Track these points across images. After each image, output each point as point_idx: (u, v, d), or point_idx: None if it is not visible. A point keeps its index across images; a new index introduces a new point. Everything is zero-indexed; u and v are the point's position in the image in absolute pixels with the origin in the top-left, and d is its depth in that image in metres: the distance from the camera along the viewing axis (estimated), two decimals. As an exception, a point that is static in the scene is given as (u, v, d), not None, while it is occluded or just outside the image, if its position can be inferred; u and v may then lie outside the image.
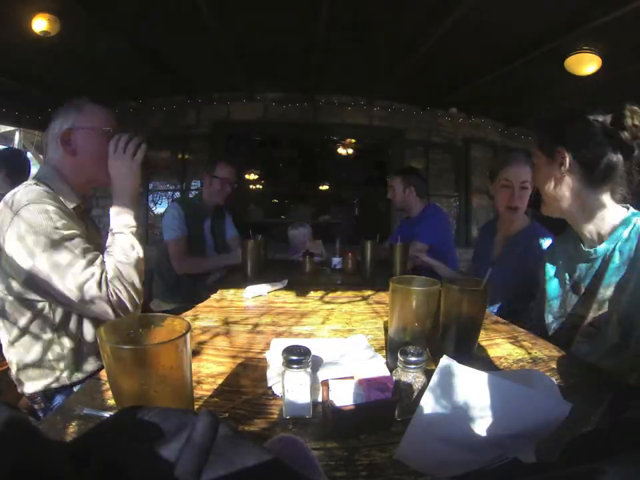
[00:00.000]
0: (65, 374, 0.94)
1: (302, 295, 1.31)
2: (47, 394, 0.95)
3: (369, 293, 1.35)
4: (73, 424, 0.50)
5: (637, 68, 2.65)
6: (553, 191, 0.89)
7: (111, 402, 0.58)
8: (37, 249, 0.82)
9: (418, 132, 4.20)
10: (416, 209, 2.18)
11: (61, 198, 0.93)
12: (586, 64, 2.63)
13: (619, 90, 2.88)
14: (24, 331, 0.92)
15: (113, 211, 0.98)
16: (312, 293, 1.32)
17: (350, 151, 5.34)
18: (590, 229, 0.88)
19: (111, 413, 0.44)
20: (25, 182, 0.93)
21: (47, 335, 0.92)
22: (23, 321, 0.91)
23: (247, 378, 0.66)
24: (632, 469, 0.18)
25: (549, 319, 1.02)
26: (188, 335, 0.43)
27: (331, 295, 1.31)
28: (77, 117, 0.99)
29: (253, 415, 0.55)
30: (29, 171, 2.35)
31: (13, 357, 0.94)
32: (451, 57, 2.86)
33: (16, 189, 0.90)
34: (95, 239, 1.05)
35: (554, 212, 0.94)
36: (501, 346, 0.85)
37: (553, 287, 1.03)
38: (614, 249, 0.83)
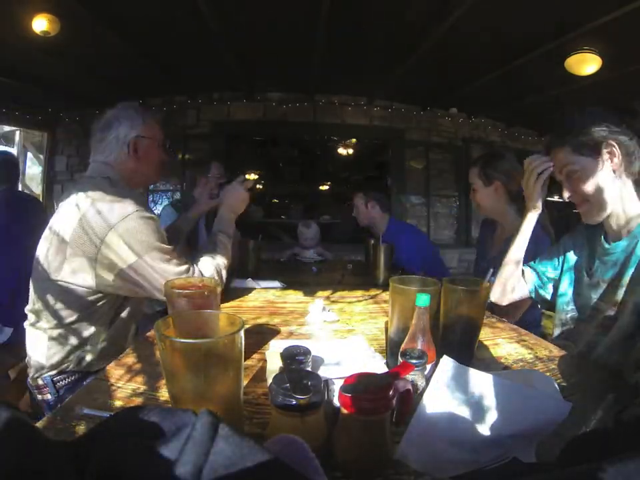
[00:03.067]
0: (87, 359, 1.01)
1: (302, 295, 1.31)
2: (55, 381, 0.99)
3: (369, 292, 1.35)
4: (73, 424, 0.50)
5: (637, 68, 2.65)
6: (605, 190, 0.86)
7: (111, 402, 0.58)
8: (142, 250, 0.95)
9: (418, 132, 4.20)
10: (382, 226, 2.13)
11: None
12: (586, 64, 2.63)
13: (620, 90, 2.88)
14: (65, 325, 0.98)
15: (223, 220, 1.24)
16: (312, 293, 1.32)
17: (350, 151, 5.34)
18: (618, 221, 0.88)
19: (111, 413, 0.44)
20: (103, 183, 1.01)
21: (87, 331, 1.00)
22: (69, 317, 0.98)
23: (246, 378, 0.66)
24: (632, 469, 0.18)
25: (560, 309, 1.03)
26: (242, 331, 0.44)
27: (330, 294, 1.31)
28: (143, 127, 1.12)
29: (253, 414, 0.55)
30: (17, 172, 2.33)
31: (43, 342, 0.98)
32: (450, 57, 2.86)
33: (102, 186, 0.99)
34: None
35: (601, 214, 0.89)
36: (501, 346, 0.85)
37: (566, 279, 1.03)
38: (636, 243, 0.85)
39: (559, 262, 1.07)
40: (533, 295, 1.11)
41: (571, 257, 1.04)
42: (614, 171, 0.86)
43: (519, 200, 1.38)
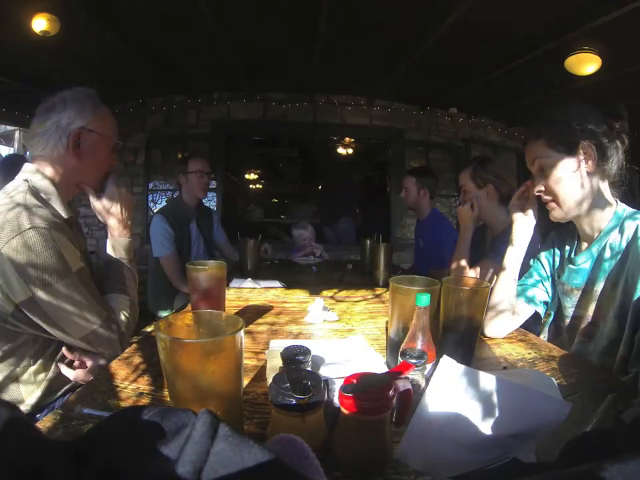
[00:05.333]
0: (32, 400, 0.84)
1: (302, 295, 1.31)
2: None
3: (369, 292, 1.35)
4: (73, 424, 0.50)
5: (636, 68, 2.64)
6: (575, 189, 0.83)
7: (111, 402, 0.58)
8: (40, 283, 0.74)
9: (418, 132, 4.20)
10: (425, 212, 2.19)
11: (55, 209, 0.86)
12: (586, 64, 2.63)
13: (619, 90, 2.88)
14: None
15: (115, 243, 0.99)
16: (312, 293, 1.32)
17: (350, 150, 5.34)
18: (592, 224, 0.87)
19: (111, 413, 0.45)
20: (19, 186, 0.83)
21: (22, 366, 0.82)
22: None
23: (246, 378, 0.66)
24: (632, 469, 0.18)
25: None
26: (242, 330, 0.43)
27: (331, 294, 1.31)
28: (92, 117, 0.91)
29: (253, 414, 0.55)
30: None
31: None
32: (450, 57, 2.86)
33: (12, 194, 0.80)
34: (82, 245, 0.98)
35: (572, 215, 0.86)
36: (501, 346, 0.85)
37: (545, 286, 1.03)
38: (604, 247, 0.84)
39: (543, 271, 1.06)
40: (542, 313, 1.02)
41: (546, 265, 1.03)
42: (588, 173, 0.83)
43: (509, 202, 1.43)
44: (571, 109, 0.85)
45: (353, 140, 5.05)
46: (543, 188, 0.88)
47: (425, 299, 0.61)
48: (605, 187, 0.85)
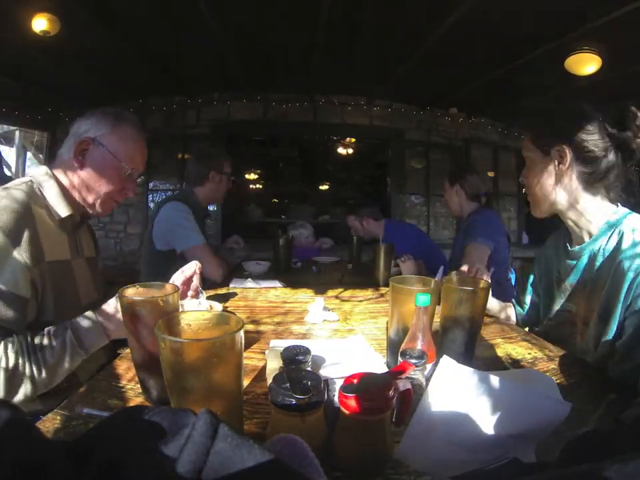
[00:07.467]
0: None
1: (302, 294, 1.31)
2: None
3: (369, 292, 1.35)
4: (73, 424, 0.50)
5: (636, 68, 2.64)
6: (546, 188, 0.86)
7: (111, 402, 0.58)
8: None
9: (418, 132, 4.20)
10: (381, 233, 2.18)
11: (50, 204, 0.85)
12: (586, 64, 2.63)
13: (619, 90, 2.87)
14: None
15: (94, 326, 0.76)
16: (312, 293, 1.32)
17: (350, 150, 5.34)
18: (581, 226, 0.86)
19: (111, 413, 0.45)
20: (17, 181, 0.83)
21: None
22: None
23: (246, 378, 0.66)
24: (632, 469, 0.18)
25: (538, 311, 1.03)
26: (242, 330, 0.43)
27: (331, 294, 1.31)
28: (108, 132, 0.89)
29: (253, 414, 0.55)
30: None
31: None
32: (450, 57, 2.86)
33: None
34: (87, 249, 0.97)
35: (545, 212, 0.90)
36: (501, 346, 0.85)
37: (543, 282, 1.03)
38: (600, 247, 0.82)
39: (538, 272, 1.07)
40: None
41: (544, 264, 1.03)
42: (563, 176, 0.83)
43: (475, 199, 1.81)
44: (562, 110, 0.85)
45: (353, 140, 5.06)
46: (522, 179, 0.93)
47: (424, 299, 0.61)
48: (594, 191, 0.83)
